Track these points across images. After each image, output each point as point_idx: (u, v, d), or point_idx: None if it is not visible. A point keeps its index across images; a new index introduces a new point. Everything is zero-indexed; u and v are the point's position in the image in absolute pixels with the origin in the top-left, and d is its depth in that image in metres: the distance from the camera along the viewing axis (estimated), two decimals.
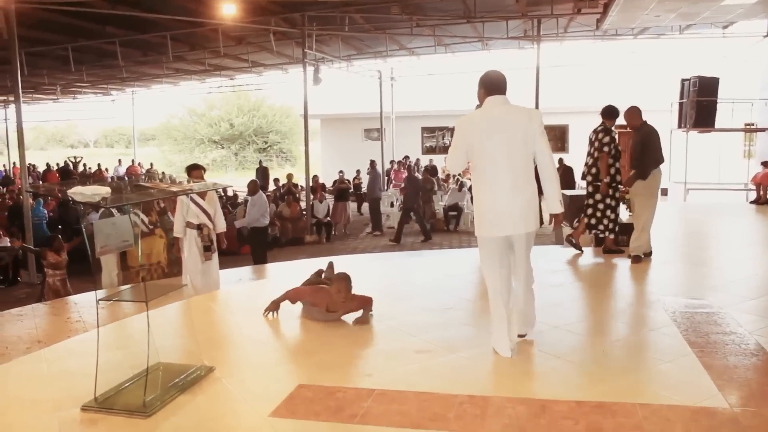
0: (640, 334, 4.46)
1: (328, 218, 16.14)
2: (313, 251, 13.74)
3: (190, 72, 21.37)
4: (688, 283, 6.30)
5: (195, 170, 6.60)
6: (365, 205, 18.72)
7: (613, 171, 6.99)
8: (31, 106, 28.89)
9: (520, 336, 4.16)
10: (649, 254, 6.95)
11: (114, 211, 6.98)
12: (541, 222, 14.15)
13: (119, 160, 27.78)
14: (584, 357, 3.98)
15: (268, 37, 15.56)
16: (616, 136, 7.08)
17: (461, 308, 5.20)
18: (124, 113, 30.27)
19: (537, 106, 16.04)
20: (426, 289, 5.99)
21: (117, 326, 5.24)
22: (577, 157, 21.21)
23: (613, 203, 7.10)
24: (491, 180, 3.88)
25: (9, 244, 11.38)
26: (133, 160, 28.02)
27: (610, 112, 7.03)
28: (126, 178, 20.31)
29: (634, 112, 6.84)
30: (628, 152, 7.09)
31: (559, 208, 4.02)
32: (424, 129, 26.50)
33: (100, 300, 3.46)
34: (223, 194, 18.14)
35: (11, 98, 21.98)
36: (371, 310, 4.90)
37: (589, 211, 7.27)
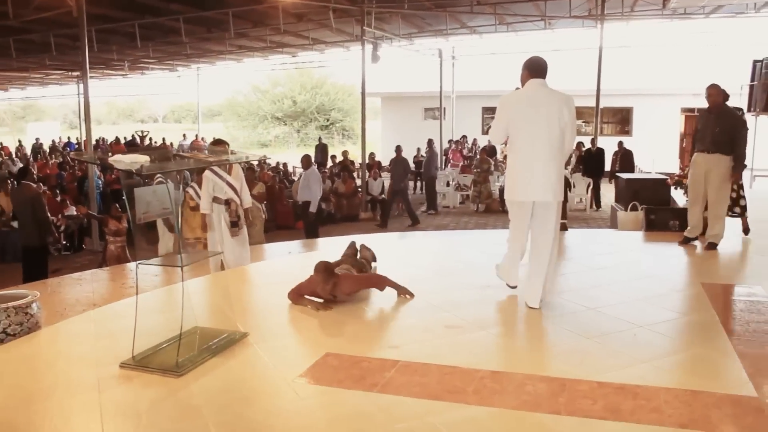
0: (676, 319, 4.37)
1: (383, 195, 16.22)
2: (366, 228, 13.87)
3: (253, 49, 21.67)
4: (740, 271, 6.14)
5: (219, 145, 6.46)
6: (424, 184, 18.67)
7: None
8: (103, 82, 29.95)
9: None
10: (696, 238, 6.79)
11: (168, 180, 7.23)
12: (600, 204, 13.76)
13: (184, 135, 28.58)
14: (614, 339, 3.92)
15: (327, 15, 15.63)
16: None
17: (500, 286, 5.17)
18: (191, 89, 31.03)
19: (599, 88, 15.70)
20: (469, 267, 6.00)
21: (164, 291, 5.46)
22: (640, 140, 20.75)
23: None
24: (527, 152, 4.34)
25: (75, 213, 11.92)
26: (196, 135, 28.74)
27: None
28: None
29: (720, 90, 6.50)
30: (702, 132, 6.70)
31: None
32: (485, 109, 26.19)
33: (139, 264, 3.64)
34: (282, 169, 18.44)
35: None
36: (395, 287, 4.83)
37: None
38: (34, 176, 9.84)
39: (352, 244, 5.98)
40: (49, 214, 8.86)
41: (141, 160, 3.27)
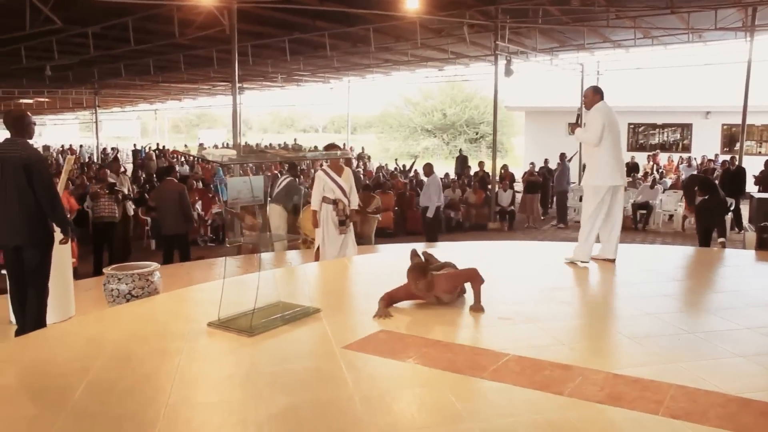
0: (735, 330, 4.33)
1: (512, 207, 16.39)
2: (492, 237, 14.11)
3: (398, 62, 22.58)
4: None
5: (332, 149, 7.01)
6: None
7: None
8: (263, 92, 32.42)
9: (611, 260, 6.26)
10: None
11: (287, 178, 8.05)
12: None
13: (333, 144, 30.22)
14: (657, 341, 4.03)
15: (464, 30, 16.11)
16: None
17: (567, 288, 5.40)
18: (345, 101, 32.73)
19: (746, 104, 14.91)
20: (550, 272, 6.15)
21: (264, 273, 6.21)
22: None
23: None
24: (615, 148, 6.20)
25: (220, 209, 13.27)
26: (344, 144, 30.27)
27: None
28: None
29: None
30: None
31: None
32: (630, 125, 25.40)
33: (228, 244, 4.34)
34: (414, 178, 19.09)
35: (243, 84, 25.08)
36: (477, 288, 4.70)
37: None
38: (177, 174, 11.20)
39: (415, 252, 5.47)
40: (193, 207, 10.06)
41: (229, 153, 3.96)
